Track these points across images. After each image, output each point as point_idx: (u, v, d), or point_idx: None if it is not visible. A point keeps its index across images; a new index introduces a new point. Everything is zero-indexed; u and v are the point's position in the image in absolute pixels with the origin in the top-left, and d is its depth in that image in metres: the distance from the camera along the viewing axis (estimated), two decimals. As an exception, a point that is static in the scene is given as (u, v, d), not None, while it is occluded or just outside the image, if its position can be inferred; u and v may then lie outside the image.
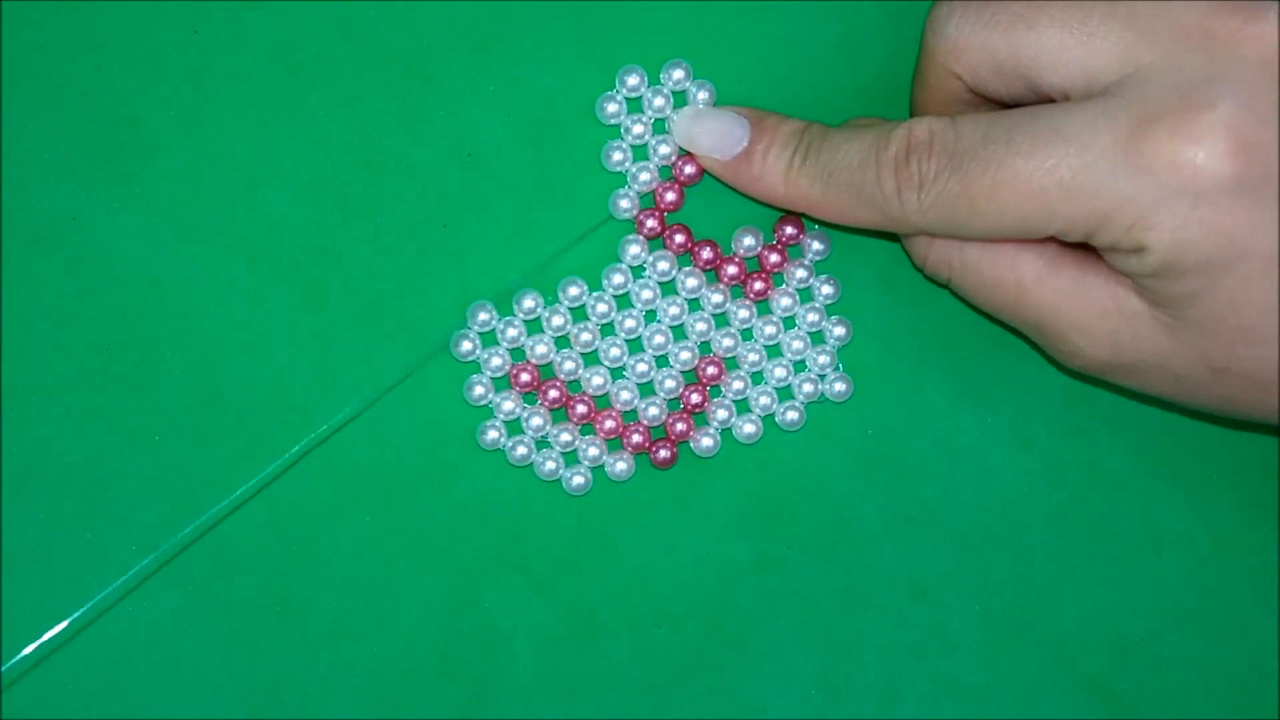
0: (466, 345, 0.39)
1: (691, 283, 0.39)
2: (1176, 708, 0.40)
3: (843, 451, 0.40)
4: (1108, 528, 0.40)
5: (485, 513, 0.39)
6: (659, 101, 0.39)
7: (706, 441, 0.39)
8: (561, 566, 0.39)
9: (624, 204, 0.39)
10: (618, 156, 0.39)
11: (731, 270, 0.39)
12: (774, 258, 0.39)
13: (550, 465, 0.39)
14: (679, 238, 0.39)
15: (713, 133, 0.37)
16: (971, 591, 0.40)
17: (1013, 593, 0.40)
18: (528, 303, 0.39)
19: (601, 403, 0.39)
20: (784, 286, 0.39)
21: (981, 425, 0.40)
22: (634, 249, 0.39)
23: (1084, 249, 0.35)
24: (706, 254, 0.39)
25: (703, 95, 0.39)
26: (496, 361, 0.39)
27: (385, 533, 0.39)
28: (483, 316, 0.39)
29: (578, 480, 0.39)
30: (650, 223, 0.39)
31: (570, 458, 0.39)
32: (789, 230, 0.39)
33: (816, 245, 0.39)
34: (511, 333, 0.39)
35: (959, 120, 0.34)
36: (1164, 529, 0.40)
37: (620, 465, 0.39)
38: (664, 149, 0.39)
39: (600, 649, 0.39)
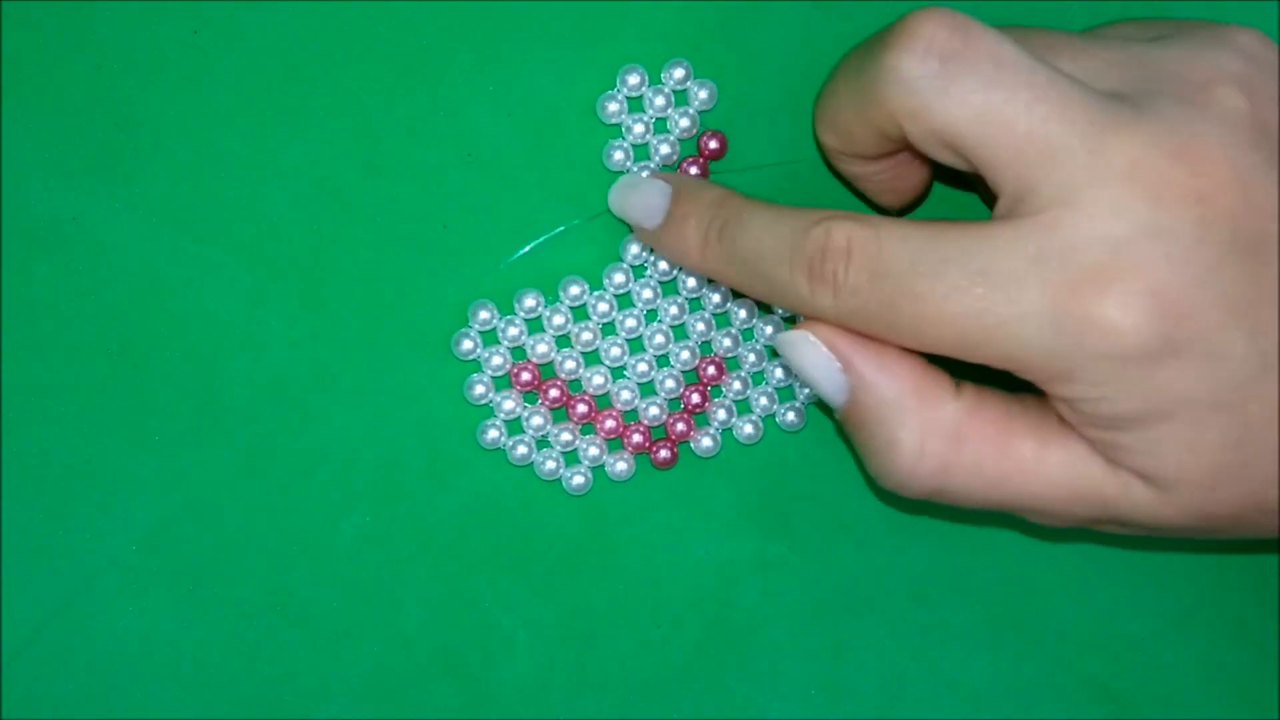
0: (467, 344, 0.39)
1: (692, 282, 0.39)
2: (1176, 708, 0.40)
3: (842, 452, 0.40)
4: (1108, 528, 0.40)
5: (485, 513, 0.39)
6: (660, 101, 0.39)
7: (706, 442, 0.39)
8: (561, 566, 0.39)
9: (625, 203, 0.39)
10: (619, 156, 0.39)
11: (732, 271, 0.39)
12: (774, 258, 0.39)
13: (550, 465, 0.39)
14: (679, 238, 0.39)
15: (637, 203, 0.37)
16: (971, 591, 0.40)
17: (1013, 593, 0.40)
18: (529, 301, 0.39)
19: (602, 402, 0.39)
20: (784, 287, 0.39)
21: (982, 425, 0.40)
22: (635, 248, 0.39)
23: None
24: (707, 254, 0.39)
25: (703, 94, 0.39)
26: (497, 360, 0.39)
27: (385, 532, 0.39)
28: (483, 315, 0.39)
29: (578, 480, 0.39)
30: (651, 223, 0.39)
31: (570, 457, 0.39)
32: (789, 231, 0.39)
33: (817, 246, 0.39)
34: (512, 331, 0.39)
35: (882, 232, 0.32)
36: (1164, 529, 0.40)
37: (620, 465, 0.39)
38: (664, 149, 0.39)
39: (600, 649, 0.39)
